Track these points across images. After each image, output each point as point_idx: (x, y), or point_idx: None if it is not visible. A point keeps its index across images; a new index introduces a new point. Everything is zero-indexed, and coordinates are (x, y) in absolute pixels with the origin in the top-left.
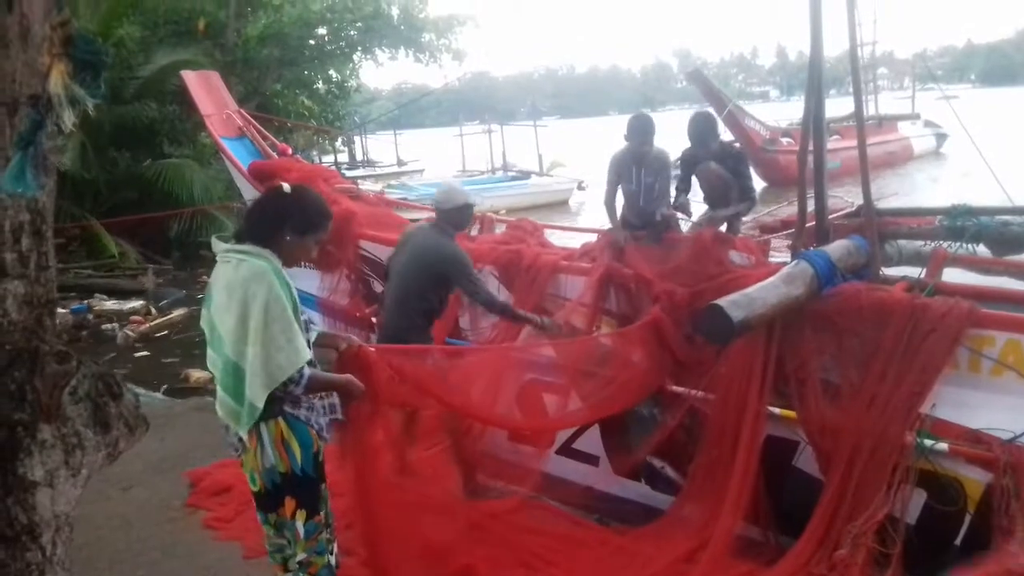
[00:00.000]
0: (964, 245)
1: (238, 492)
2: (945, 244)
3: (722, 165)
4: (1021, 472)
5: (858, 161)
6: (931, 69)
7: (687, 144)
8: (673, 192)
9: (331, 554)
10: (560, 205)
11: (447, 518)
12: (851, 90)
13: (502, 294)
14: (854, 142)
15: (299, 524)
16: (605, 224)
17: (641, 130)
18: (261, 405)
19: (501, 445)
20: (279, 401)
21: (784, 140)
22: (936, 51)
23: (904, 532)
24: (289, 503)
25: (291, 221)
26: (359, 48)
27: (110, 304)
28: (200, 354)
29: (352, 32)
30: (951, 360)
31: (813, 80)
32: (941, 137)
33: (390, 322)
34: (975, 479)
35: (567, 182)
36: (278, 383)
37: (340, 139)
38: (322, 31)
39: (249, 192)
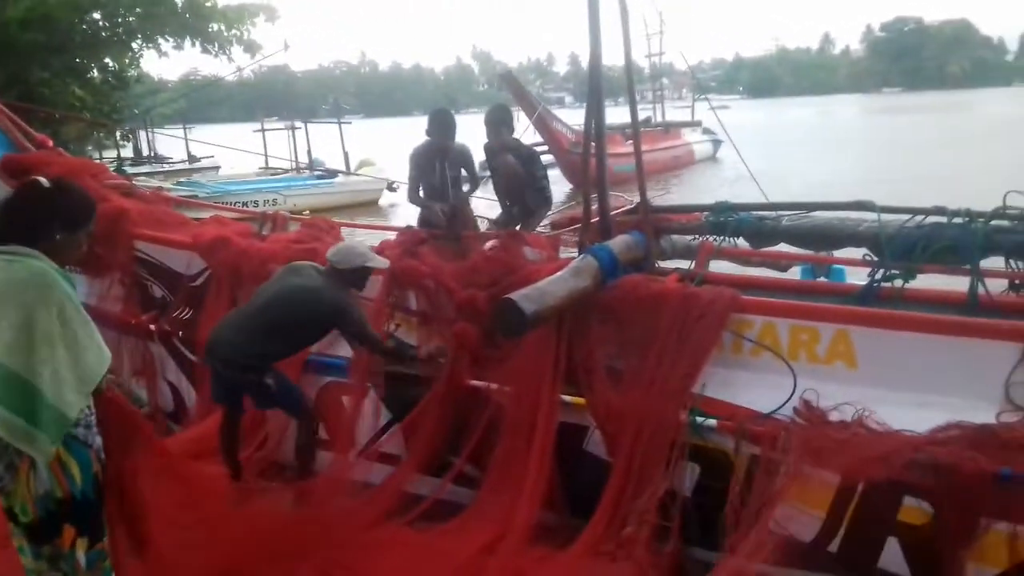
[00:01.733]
0: (726, 238)
1: None
2: (711, 238)
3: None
4: (766, 444)
5: (652, 163)
6: (705, 81)
7: (487, 143)
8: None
9: None
10: (370, 205)
11: (236, 534)
12: (639, 98)
13: None
14: (646, 146)
15: (80, 554)
16: (406, 222)
17: (443, 124)
18: (75, 414)
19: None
20: None
21: None
22: (710, 64)
23: (682, 505)
24: (68, 532)
25: (60, 217)
26: (139, 36)
27: None
28: None
29: (131, 18)
30: (718, 343)
31: (593, 88)
32: (717, 143)
33: (234, 341)
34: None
35: (376, 182)
36: (93, 385)
37: (120, 133)
38: (96, 16)
39: (0, 190)
